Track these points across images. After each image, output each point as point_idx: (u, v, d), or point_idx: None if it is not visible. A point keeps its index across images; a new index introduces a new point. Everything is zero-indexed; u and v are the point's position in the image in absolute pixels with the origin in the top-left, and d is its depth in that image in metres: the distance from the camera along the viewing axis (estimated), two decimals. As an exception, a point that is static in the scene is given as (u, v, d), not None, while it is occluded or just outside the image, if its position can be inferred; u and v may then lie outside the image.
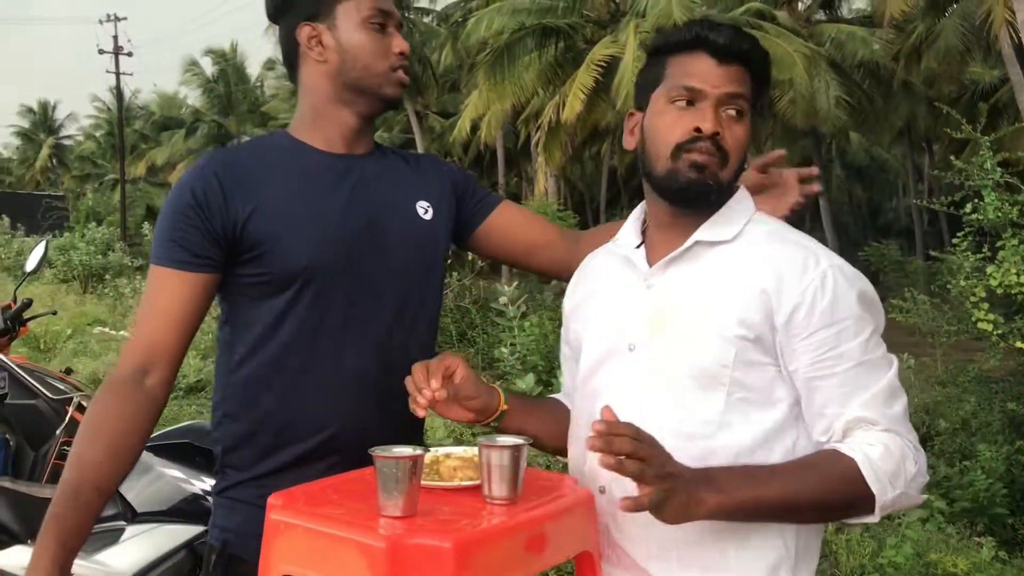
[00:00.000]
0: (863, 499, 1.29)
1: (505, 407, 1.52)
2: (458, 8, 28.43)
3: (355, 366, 1.60)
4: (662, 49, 1.46)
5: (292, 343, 1.59)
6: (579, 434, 1.51)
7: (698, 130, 1.37)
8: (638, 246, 1.51)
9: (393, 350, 1.62)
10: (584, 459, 1.46)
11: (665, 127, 1.41)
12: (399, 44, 1.66)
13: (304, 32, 1.64)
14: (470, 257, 13.10)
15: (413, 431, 1.64)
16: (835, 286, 1.34)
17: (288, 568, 1.23)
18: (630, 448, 1.17)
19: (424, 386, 1.37)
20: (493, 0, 18.58)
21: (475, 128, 21.40)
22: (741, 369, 1.34)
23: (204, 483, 2.74)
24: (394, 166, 1.75)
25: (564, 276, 1.81)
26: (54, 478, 3.71)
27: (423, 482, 1.28)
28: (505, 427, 1.52)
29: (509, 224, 1.84)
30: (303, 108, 1.70)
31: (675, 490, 1.20)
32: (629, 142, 1.50)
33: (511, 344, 8.10)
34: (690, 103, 1.40)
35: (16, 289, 4.39)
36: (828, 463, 1.31)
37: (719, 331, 1.35)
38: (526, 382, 6.13)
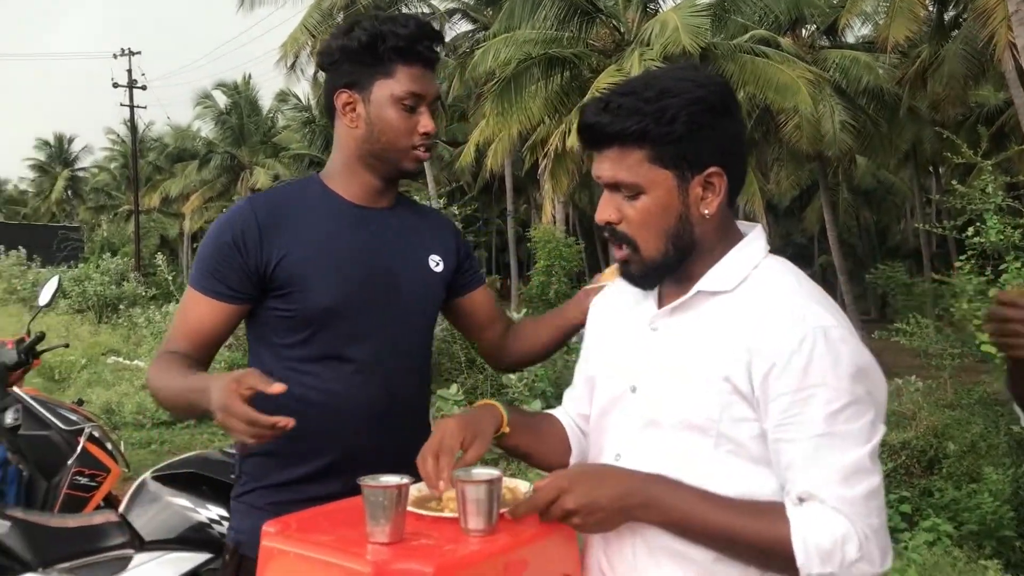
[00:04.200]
0: (789, 564, 1.26)
1: (506, 429, 1.53)
2: (466, 39, 28.78)
3: (364, 398, 1.77)
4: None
5: (308, 372, 1.76)
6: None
7: (608, 222, 1.43)
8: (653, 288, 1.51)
9: (397, 384, 1.81)
10: None
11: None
12: (425, 125, 1.79)
13: (341, 98, 1.80)
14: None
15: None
16: (813, 349, 1.28)
17: (282, 592, 1.30)
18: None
19: (433, 482, 1.37)
20: (500, 31, 18.77)
21: (482, 156, 21.55)
22: (728, 423, 1.33)
23: (210, 511, 2.81)
24: (412, 220, 1.93)
25: (491, 359, 2.15)
26: (66, 508, 3.78)
27: (417, 511, 1.36)
28: (503, 445, 1.56)
29: (480, 306, 2.05)
30: (334, 159, 1.87)
31: (590, 514, 1.29)
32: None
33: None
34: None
35: (30, 323, 4.49)
36: (770, 516, 1.29)
37: (707, 383, 1.34)
38: (534, 408, 6.19)
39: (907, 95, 19.32)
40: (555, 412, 1.71)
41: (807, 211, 31.63)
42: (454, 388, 7.28)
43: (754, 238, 1.45)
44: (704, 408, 1.34)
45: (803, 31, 20.70)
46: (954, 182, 8.68)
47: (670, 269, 1.43)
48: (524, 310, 9.65)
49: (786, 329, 1.30)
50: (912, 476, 7.04)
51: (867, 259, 29.86)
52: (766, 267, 1.41)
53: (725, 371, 1.33)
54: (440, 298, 1.95)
